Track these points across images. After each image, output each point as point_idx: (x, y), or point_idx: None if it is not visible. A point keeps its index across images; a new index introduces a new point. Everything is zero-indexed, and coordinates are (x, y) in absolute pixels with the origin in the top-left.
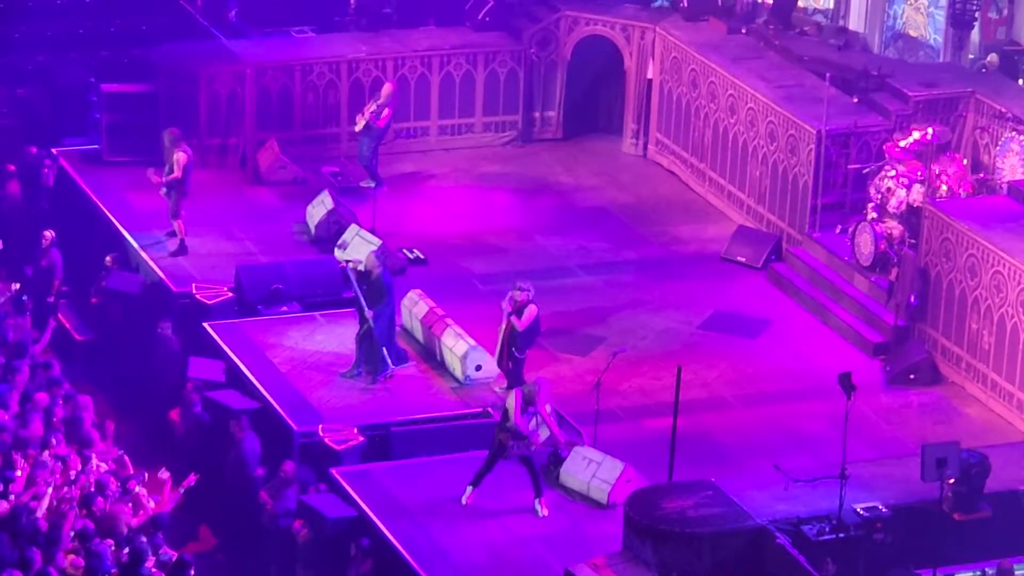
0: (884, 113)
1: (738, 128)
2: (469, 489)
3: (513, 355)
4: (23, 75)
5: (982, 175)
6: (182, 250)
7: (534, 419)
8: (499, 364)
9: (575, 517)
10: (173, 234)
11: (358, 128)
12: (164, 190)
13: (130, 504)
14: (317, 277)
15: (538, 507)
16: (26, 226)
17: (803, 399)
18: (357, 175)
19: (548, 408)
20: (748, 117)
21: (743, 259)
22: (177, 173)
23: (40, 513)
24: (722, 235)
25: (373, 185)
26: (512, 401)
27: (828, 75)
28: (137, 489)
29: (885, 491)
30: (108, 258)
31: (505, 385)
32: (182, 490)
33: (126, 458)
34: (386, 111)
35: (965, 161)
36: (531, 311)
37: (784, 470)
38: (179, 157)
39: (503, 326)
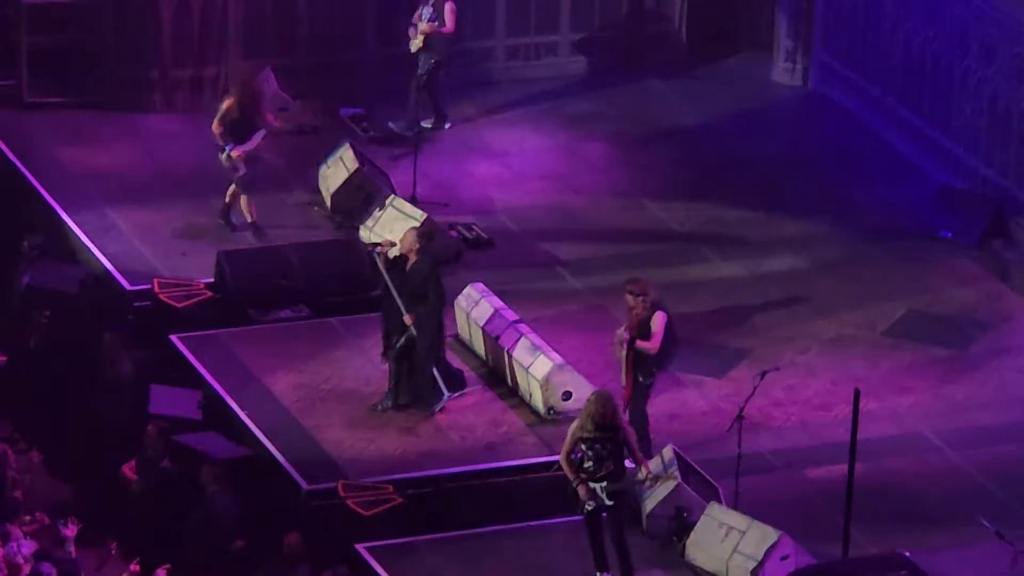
0: None
1: (939, 43)
2: None
3: (637, 380)
4: None
5: None
6: (259, 233)
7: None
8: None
9: None
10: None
11: (416, 46)
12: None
13: None
14: (334, 268)
15: None
16: None
17: None
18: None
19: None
20: (955, 27)
21: (949, 234)
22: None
23: None
24: (918, 200)
25: (447, 126)
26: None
27: None
28: None
29: None
30: (26, 243)
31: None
32: None
33: (67, 530)
34: (449, 6)
35: None
36: (659, 322)
37: (1010, 539)
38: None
39: (623, 351)
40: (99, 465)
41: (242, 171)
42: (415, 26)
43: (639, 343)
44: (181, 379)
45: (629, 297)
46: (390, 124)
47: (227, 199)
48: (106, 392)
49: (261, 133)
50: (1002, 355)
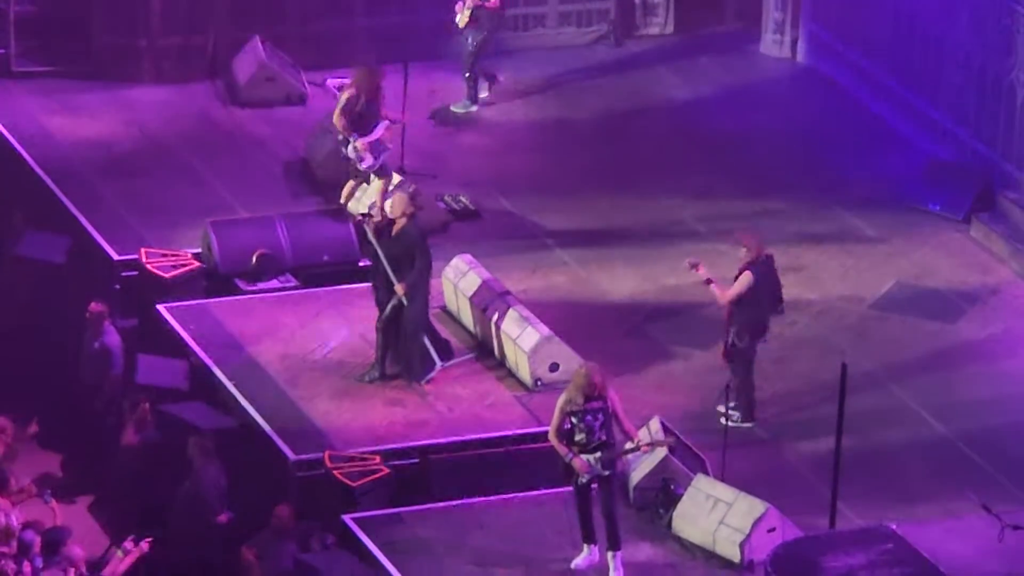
0: None
1: (928, 15)
2: (586, 549)
3: (733, 343)
4: None
5: None
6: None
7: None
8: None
9: None
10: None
11: (463, 23)
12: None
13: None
14: (321, 238)
15: (612, 566)
16: None
17: None
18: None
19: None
20: None
21: (937, 207)
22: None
23: None
24: (906, 173)
25: (473, 108)
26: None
27: None
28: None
29: None
30: (17, 214)
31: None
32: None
33: (55, 504)
34: None
35: None
36: (741, 280)
37: (997, 512)
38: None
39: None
40: (85, 436)
41: (369, 161)
42: (463, 1)
43: (714, 285)
44: (169, 350)
45: (743, 251)
46: (452, 108)
47: (346, 191)
48: (91, 362)
49: (384, 123)
50: (990, 328)
